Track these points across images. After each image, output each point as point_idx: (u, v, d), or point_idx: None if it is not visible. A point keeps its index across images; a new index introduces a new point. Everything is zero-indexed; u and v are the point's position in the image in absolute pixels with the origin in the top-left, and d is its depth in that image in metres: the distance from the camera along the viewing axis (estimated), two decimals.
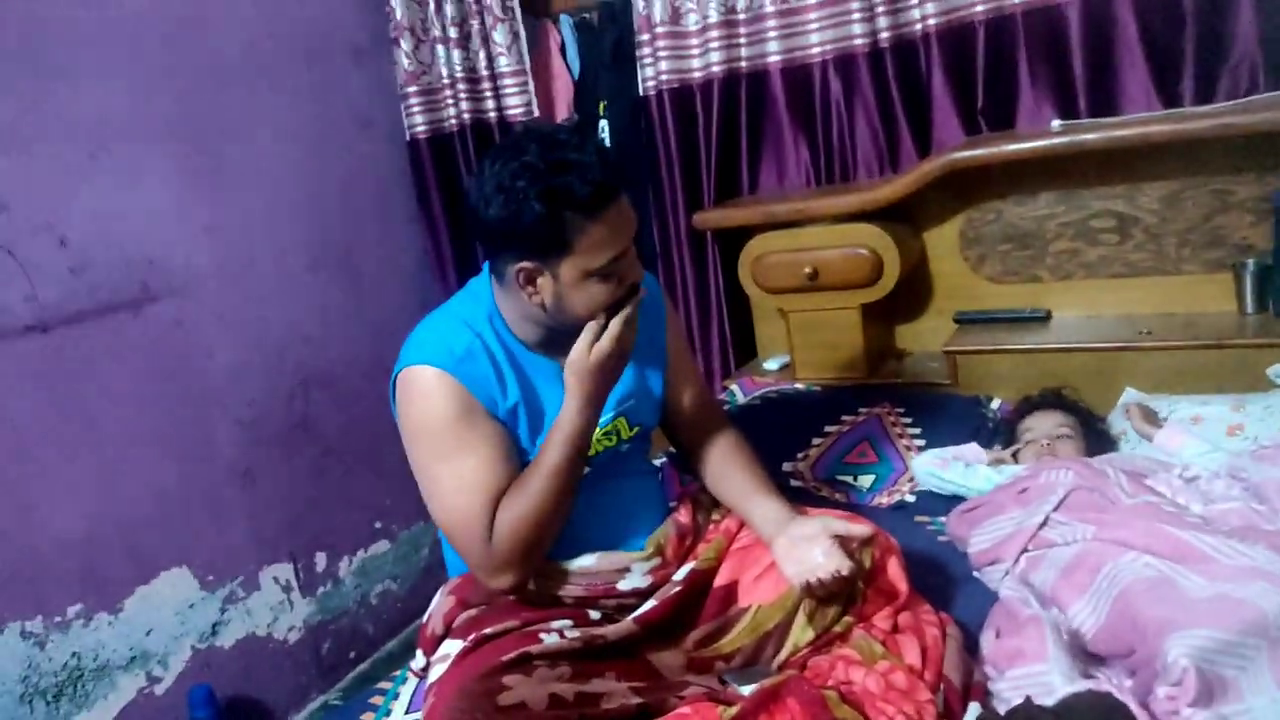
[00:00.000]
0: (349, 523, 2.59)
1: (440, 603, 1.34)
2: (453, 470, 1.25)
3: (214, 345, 2.27)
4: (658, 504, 1.47)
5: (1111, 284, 2.05)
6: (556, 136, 1.20)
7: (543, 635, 1.19)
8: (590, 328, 1.22)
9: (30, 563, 1.88)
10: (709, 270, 2.45)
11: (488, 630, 1.19)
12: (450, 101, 2.67)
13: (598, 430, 1.35)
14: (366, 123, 2.70)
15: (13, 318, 1.88)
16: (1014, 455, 1.77)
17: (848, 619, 1.29)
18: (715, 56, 2.31)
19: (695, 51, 2.34)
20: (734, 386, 2.29)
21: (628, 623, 1.26)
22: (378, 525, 2.66)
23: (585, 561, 1.33)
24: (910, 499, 1.82)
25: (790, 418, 2.07)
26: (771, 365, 2.36)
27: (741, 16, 2.30)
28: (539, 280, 1.22)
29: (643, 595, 1.33)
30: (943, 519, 1.68)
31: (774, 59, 2.29)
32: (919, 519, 1.75)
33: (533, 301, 1.24)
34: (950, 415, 1.97)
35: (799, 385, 2.22)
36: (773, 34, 2.27)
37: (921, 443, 1.91)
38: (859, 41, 2.19)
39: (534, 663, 1.13)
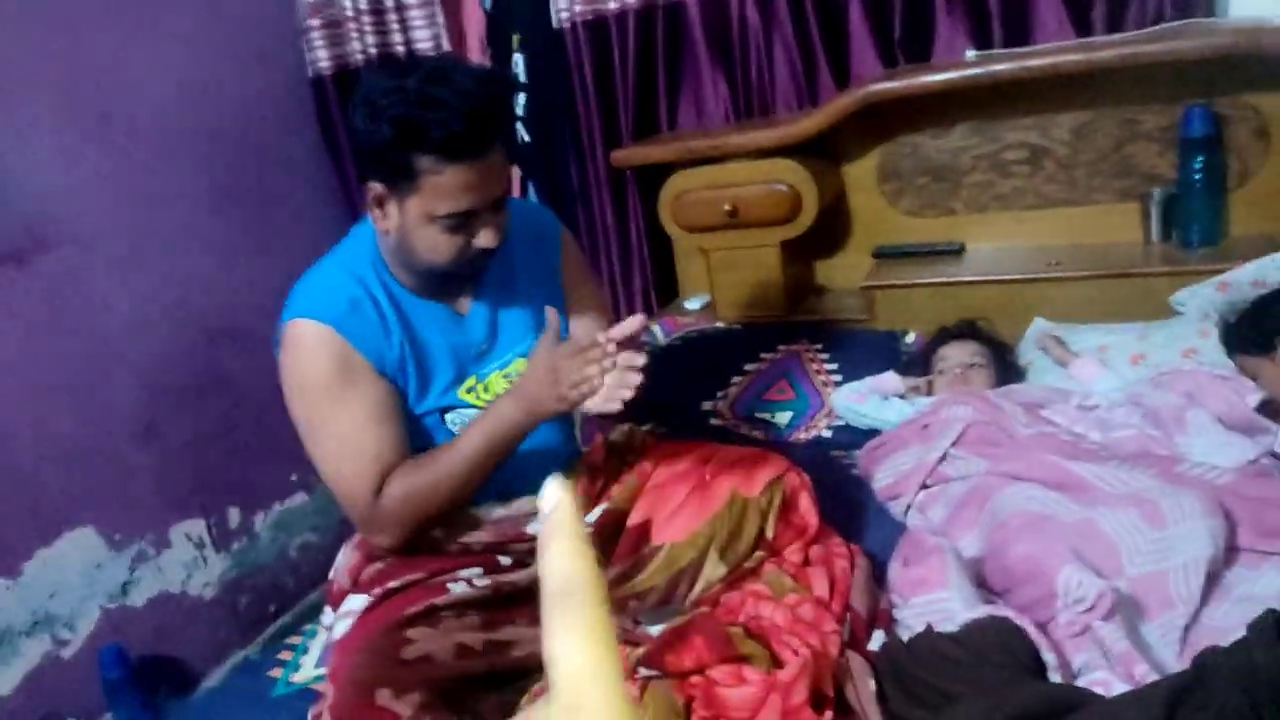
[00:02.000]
0: (263, 476, 2.52)
1: (345, 557, 1.31)
2: (333, 430, 1.22)
3: (110, 296, 2.16)
4: (569, 447, 1.44)
5: (1024, 215, 2.06)
6: (449, 72, 1.13)
7: (450, 585, 1.17)
8: (552, 322, 1.18)
9: None
10: (629, 209, 2.40)
11: (392, 584, 1.16)
12: (355, 34, 2.55)
13: (497, 373, 1.32)
14: (265, 57, 2.56)
15: None
16: (928, 384, 1.79)
17: (759, 554, 1.29)
18: None
19: None
20: (655, 327, 2.26)
21: (535, 567, 1.23)
22: (294, 478, 2.59)
23: (492, 508, 1.30)
24: (827, 434, 1.83)
25: (710, 357, 2.06)
26: (693, 305, 2.34)
27: None
28: (387, 206, 1.18)
29: None
30: (858, 453, 1.69)
31: None
32: (835, 453, 1.76)
33: (379, 227, 1.21)
34: (866, 350, 1.98)
35: (720, 324, 2.20)
36: None
37: (838, 378, 1.92)
38: None
39: (440, 614, 1.11)
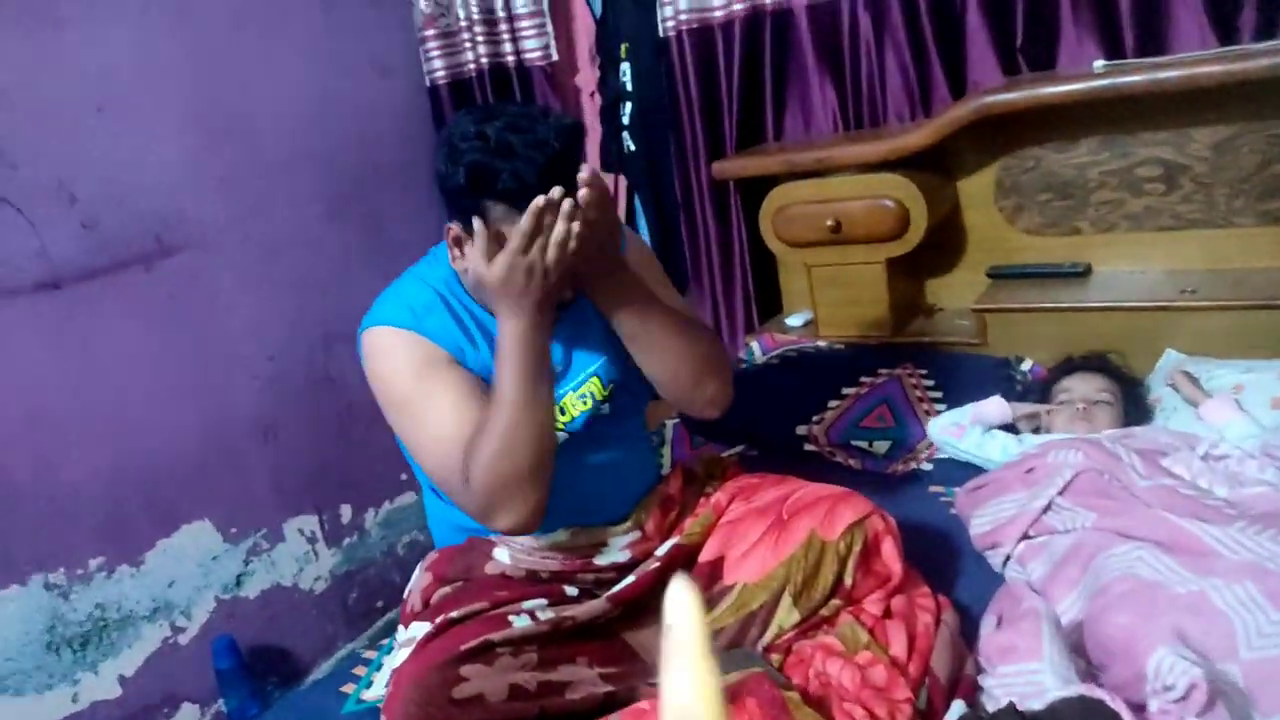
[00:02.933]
0: (374, 475, 2.60)
1: (418, 579, 1.33)
2: (425, 424, 1.20)
3: (232, 299, 2.27)
4: (647, 473, 1.41)
5: (1157, 237, 1.91)
6: (531, 122, 1.11)
7: (511, 618, 1.16)
8: (480, 234, 1.12)
9: (51, 517, 1.91)
10: (731, 221, 2.35)
11: (453, 614, 1.16)
12: (469, 45, 2.59)
13: (572, 394, 1.30)
14: (385, 68, 2.63)
15: (24, 275, 1.89)
16: (1045, 416, 1.68)
17: (836, 602, 1.24)
18: None
19: None
20: (753, 344, 2.21)
21: (600, 601, 1.22)
22: (403, 477, 2.67)
23: (558, 535, 1.29)
24: (927, 467, 1.74)
25: (808, 378, 2.00)
26: (794, 322, 2.27)
27: None
28: (464, 247, 1.16)
29: (623, 570, 1.30)
30: (958, 491, 1.60)
31: None
32: (933, 489, 1.67)
33: (456, 266, 1.20)
34: (976, 378, 1.87)
35: (821, 343, 2.13)
36: None
37: (942, 407, 1.82)
38: None
39: (496, 650, 1.10)
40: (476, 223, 1.14)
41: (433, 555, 1.36)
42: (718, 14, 2.23)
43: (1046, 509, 1.31)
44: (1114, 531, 1.18)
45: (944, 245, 2.15)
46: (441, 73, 2.65)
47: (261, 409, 2.33)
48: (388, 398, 1.24)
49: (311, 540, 2.46)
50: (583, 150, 1.18)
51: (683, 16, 2.25)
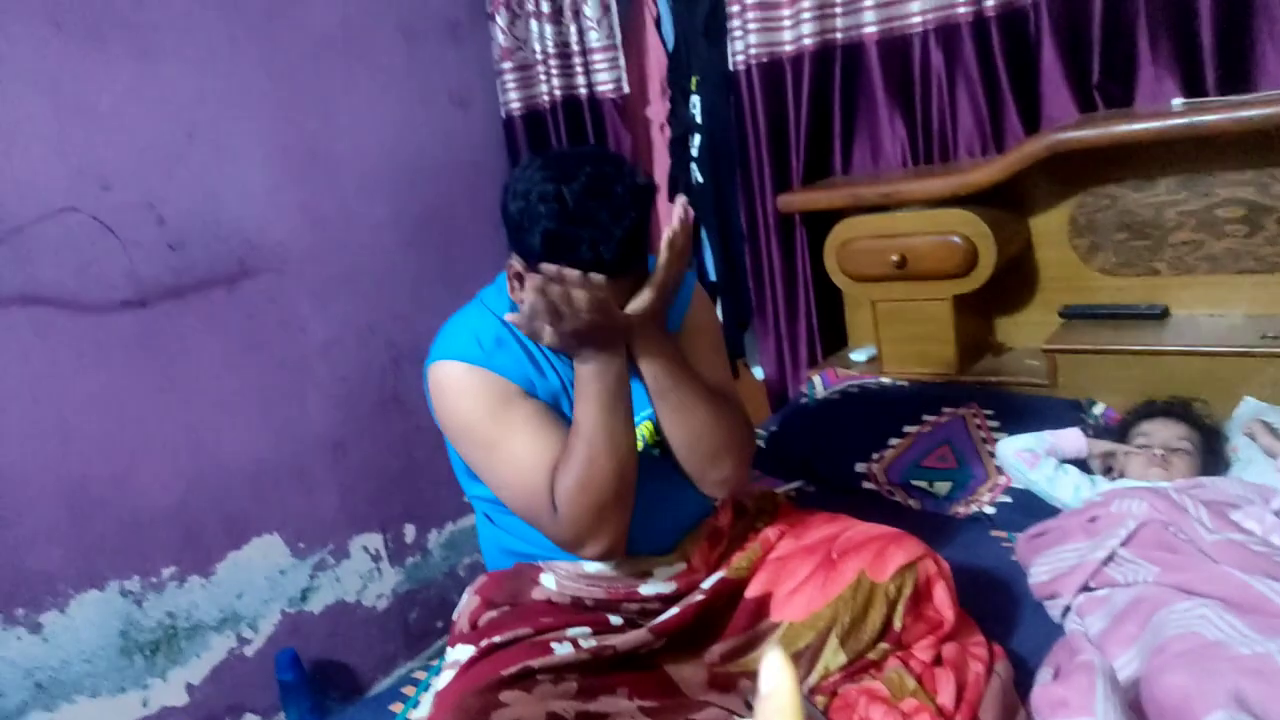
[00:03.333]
0: (438, 496, 2.65)
1: (466, 601, 1.34)
2: (505, 459, 1.21)
3: (307, 320, 2.35)
4: (697, 507, 1.41)
5: (1238, 280, 1.84)
6: (609, 186, 1.12)
7: (554, 645, 1.17)
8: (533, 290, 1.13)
9: (128, 526, 2.00)
10: (796, 255, 2.35)
11: (496, 639, 1.17)
12: (543, 77, 2.65)
13: None
14: (462, 100, 2.71)
15: (113, 292, 1.99)
16: (1121, 459, 1.62)
17: (884, 646, 1.21)
18: (808, 28, 2.19)
19: (787, 23, 2.23)
20: (815, 379, 2.19)
21: (642, 631, 1.22)
22: (466, 499, 2.70)
23: (603, 564, 1.29)
24: (989, 510, 1.69)
25: (869, 415, 1.97)
26: (859, 357, 2.24)
27: None
28: (526, 284, 1.18)
29: (668, 601, 1.29)
30: (1019, 536, 1.55)
31: (870, 30, 2.15)
32: (995, 533, 1.63)
33: (514, 298, 1.21)
34: (1043, 420, 1.81)
35: (885, 380, 2.10)
36: (869, 3, 2.13)
37: None
38: (962, 10, 2.02)
39: (537, 677, 1.11)
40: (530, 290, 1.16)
41: (482, 579, 1.38)
42: (787, 48, 2.24)
43: (1108, 560, 1.27)
44: (1176, 587, 1.13)
45: (1016, 283, 2.10)
46: (517, 104, 2.71)
47: (332, 427, 2.40)
48: (464, 436, 1.25)
49: (376, 558, 2.51)
50: (653, 208, 1.20)
51: (753, 50, 2.26)
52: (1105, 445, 1.64)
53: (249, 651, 2.21)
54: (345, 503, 2.43)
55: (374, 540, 2.51)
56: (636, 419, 1.31)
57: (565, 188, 1.10)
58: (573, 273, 1.10)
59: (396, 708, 1.36)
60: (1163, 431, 1.61)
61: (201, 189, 2.13)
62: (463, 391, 1.22)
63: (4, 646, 1.82)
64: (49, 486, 1.89)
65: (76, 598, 1.91)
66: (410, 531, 2.60)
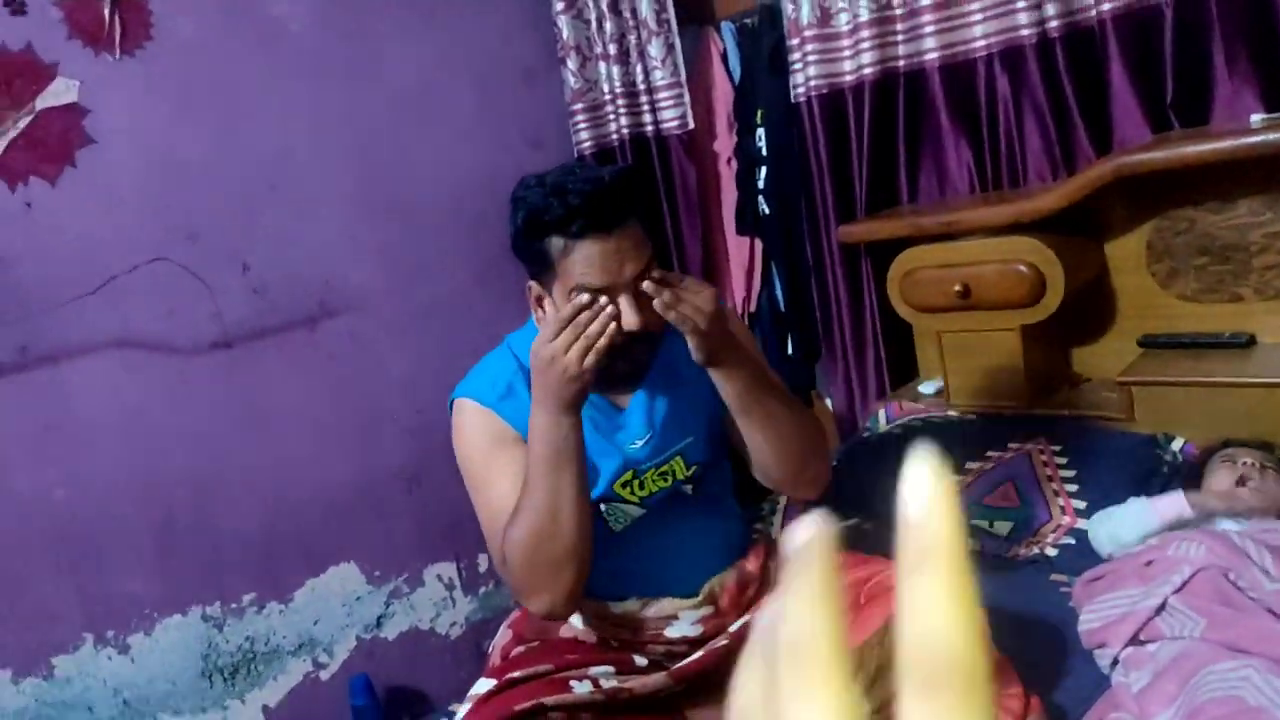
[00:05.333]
0: None
1: (501, 634, 1.37)
2: (484, 498, 1.26)
3: (384, 357, 2.44)
4: (730, 549, 1.39)
5: None
6: (588, 169, 1.20)
7: (573, 683, 1.18)
8: (562, 320, 1.13)
9: (211, 554, 2.11)
10: (862, 285, 2.30)
11: (515, 674, 1.19)
12: (611, 116, 2.70)
13: (652, 470, 1.31)
14: (536, 142, 2.78)
15: (201, 335, 2.12)
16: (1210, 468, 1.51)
17: None
18: (867, 58, 2.16)
19: (847, 53, 2.21)
20: (879, 412, 2.14)
21: (661, 675, 1.21)
22: None
23: (630, 604, 1.29)
24: (1051, 552, 1.62)
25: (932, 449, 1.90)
26: (927, 389, 2.18)
27: (897, 13, 2.14)
28: (545, 304, 1.20)
29: (693, 644, 1.28)
30: (1078, 581, 1.47)
31: (932, 56, 2.11)
32: (1055, 577, 1.55)
33: (539, 325, 1.23)
34: (1116, 457, 1.73)
35: (951, 413, 2.03)
36: (930, 29, 2.09)
37: (1074, 488, 1.69)
38: (1026, 33, 1.96)
39: (549, 714, 1.12)
40: (548, 301, 1.19)
41: (516, 613, 1.40)
42: (848, 78, 2.22)
43: (1160, 609, 1.19)
44: (1223, 644, 1.05)
45: (1092, 312, 2.01)
46: (588, 143, 2.76)
47: (408, 459, 2.47)
48: (464, 470, 1.31)
49: (450, 587, 2.57)
50: (641, 193, 1.22)
51: (814, 82, 2.25)
52: (1209, 501, 1.45)
53: (324, 676, 2.29)
54: (420, 532, 2.50)
55: (448, 569, 2.56)
56: (665, 455, 1.31)
57: (547, 175, 1.17)
58: (589, 303, 1.12)
59: None
60: (1257, 454, 1.51)
61: (283, 236, 2.25)
62: (467, 428, 1.28)
63: (96, 665, 1.94)
64: (138, 516, 2.01)
65: (162, 622, 2.03)
66: (484, 561, 2.64)
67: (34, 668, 1.92)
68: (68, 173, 1.95)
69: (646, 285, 1.13)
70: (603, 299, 1.12)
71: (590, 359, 1.11)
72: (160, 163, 2.05)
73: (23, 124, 1.89)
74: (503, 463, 1.23)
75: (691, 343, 1.16)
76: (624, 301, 1.14)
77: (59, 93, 1.93)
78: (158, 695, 2.01)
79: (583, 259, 1.14)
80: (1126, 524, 1.47)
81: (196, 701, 2.07)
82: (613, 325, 1.11)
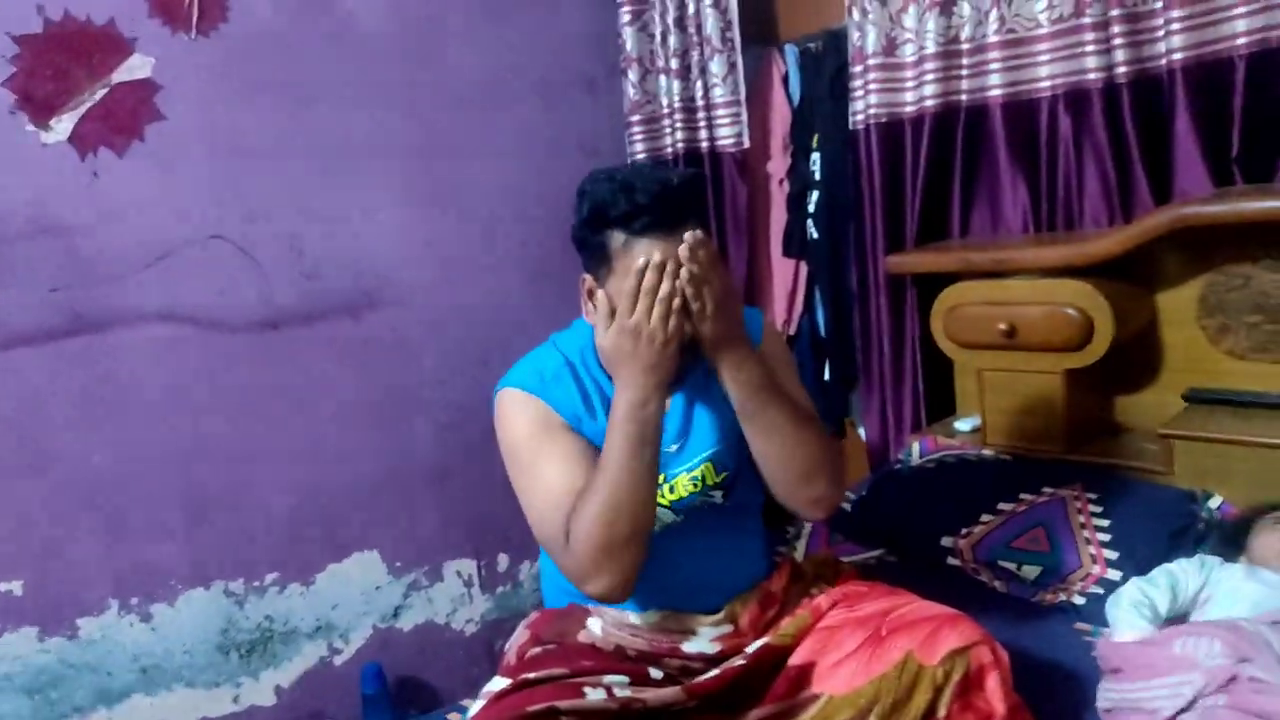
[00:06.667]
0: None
1: (518, 634, 1.37)
2: (536, 483, 1.25)
3: (424, 351, 2.47)
4: (752, 569, 1.39)
5: None
6: (656, 169, 1.21)
7: (587, 689, 1.17)
8: (601, 303, 1.18)
9: (239, 531, 2.14)
10: (905, 316, 2.29)
11: (529, 675, 1.19)
12: (668, 130, 2.71)
13: (684, 474, 1.31)
14: (593, 150, 2.80)
15: (248, 314, 2.16)
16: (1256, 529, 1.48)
17: None
18: (929, 90, 2.15)
19: (909, 84, 2.20)
20: (914, 445, 2.12)
21: (675, 690, 1.21)
22: None
23: (649, 615, 1.29)
24: (1078, 601, 1.59)
25: (964, 487, 1.88)
26: (963, 426, 2.15)
27: (964, 47, 2.13)
28: (596, 298, 1.21)
29: (710, 662, 1.27)
30: (1105, 632, 1.45)
31: (995, 93, 2.09)
32: (1079, 626, 1.52)
33: (590, 320, 1.25)
34: (1152, 510, 1.69)
35: (986, 451, 2.01)
36: (995, 66, 2.08)
37: (1106, 537, 1.66)
38: (1093, 76, 1.94)
39: (561, 718, 1.11)
40: (600, 294, 1.20)
41: (535, 614, 1.40)
42: (909, 109, 2.21)
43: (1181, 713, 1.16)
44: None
45: (1138, 362, 1.98)
46: (643, 155, 2.78)
47: (438, 454, 2.49)
48: (509, 457, 1.31)
49: (468, 584, 2.58)
50: (704, 199, 1.23)
51: (873, 110, 2.24)
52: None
53: (338, 661, 2.31)
54: (444, 527, 2.52)
55: (467, 566, 2.58)
56: (697, 459, 1.31)
57: (616, 172, 1.19)
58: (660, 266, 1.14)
59: None
60: None
61: (337, 225, 2.29)
62: (514, 414, 1.28)
63: (118, 631, 1.97)
64: (172, 487, 2.05)
65: (185, 594, 2.06)
66: (503, 561, 2.65)
67: (59, 628, 1.96)
68: (135, 146, 2.00)
69: (687, 236, 1.14)
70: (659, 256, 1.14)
71: (673, 320, 1.15)
72: (225, 143, 2.10)
73: (99, 95, 1.94)
74: (552, 448, 1.24)
75: (696, 318, 1.17)
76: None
77: (134, 68, 1.98)
78: (174, 666, 2.04)
79: (642, 256, 1.15)
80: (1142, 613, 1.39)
81: (211, 676, 2.10)
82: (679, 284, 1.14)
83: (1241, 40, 1.75)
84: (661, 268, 1.14)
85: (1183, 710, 1.15)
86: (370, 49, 2.32)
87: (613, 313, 1.18)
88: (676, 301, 1.15)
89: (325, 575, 2.28)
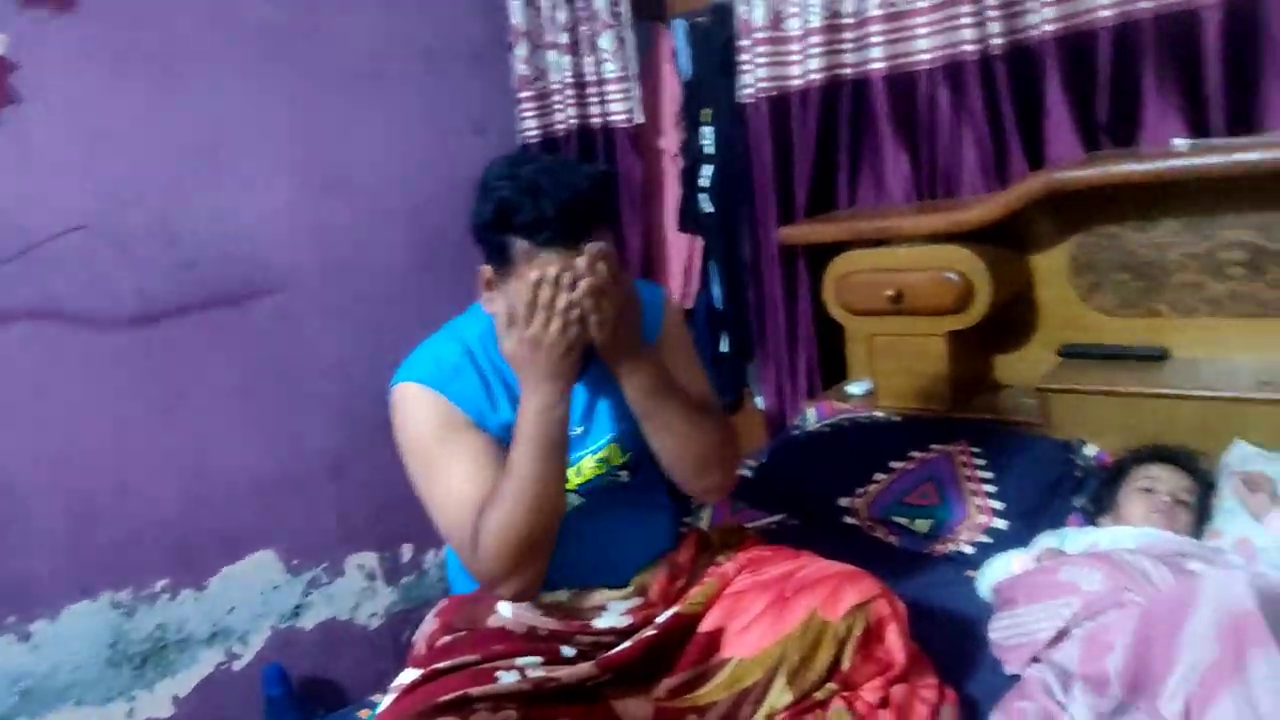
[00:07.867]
0: None
1: (427, 624, 1.35)
2: (441, 484, 1.24)
3: (315, 340, 2.38)
4: (661, 541, 1.40)
5: (1241, 324, 1.79)
6: (564, 168, 1.16)
7: (499, 673, 1.17)
8: (501, 313, 1.17)
9: (124, 538, 2.04)
10: (798, 287, 2.33)
11: (440, 665, 1.17)
12: (560, 106, 2.68)
13: (590, 457, 1.31)
14: (481, 127, 2.75)
15: (122, 309, 2.04)
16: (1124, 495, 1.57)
17: (831, 686, 1.19)
18: (815, 64, 2.19)
19: (795, 58, 2.23)
20: (809, 411, 2.17)
21: (587, 665, 1.21)
22: None
23: (559, 595, 1.29)
24: (968, 550, 1.66)
25: (857, 449, 1.94)
26: (855, 390, 2.22)
27: (847, 21, 2.17)
28: (494, 290, 1.20)
29: (622, 635, 1.28)
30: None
31: (877, 66, 2.14)
32: (970, 573, 1.59)
33: (487, 310, 1.23)
34: (1031, 461, 1.78)
35: (878, 414, 2.07)
36: (877, 39, 2.13)
37: (991, 489, 1.74)
38: (969, 48, 2.01)
39: (474, 705, 1.10)
40: (499, 300, 1.18)
41: (443, 602, 1.38)
42: (796, 82, 2.24)
43: (1056, 639, 1.24)
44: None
45: (1015, 321, 2.07)
46: (534, 132, 2.75)
47: (334, 446, 2.42)
48: (410, 455, 1.28)
49: (371, 577, 2.52)
50: (614, 199, 1.22)
51: (762, 84, 2.27)
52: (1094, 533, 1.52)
53: (237, 666, 2.23)
54: (342, 521, 2.46)
55: (369, 559, 2.52)
56: (602, 441, 1.31)
57: (521, 168, 1.15)
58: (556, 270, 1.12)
59: None
60: (1173, 481, 1.56)
61: (215, 211, 2.18)
62: (414, 412, 1.25)
63: None
64: (49, 496, 1.94)
65: (69, 607, 1.95)
66: (407, 551, 2.61)
67: None
68: None
69: (589, 247, 1.13)
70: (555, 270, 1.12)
71: (573, 330, 1.14)
72: (89, 126, 1.97)
73: None
74: (456, 448, 1.22)
75: (593, 328, 1.16)
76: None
77: None
78: (59, 685, 1.94)
79: (539, 270, 1.13)
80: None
81: (102, 692, 2.00)
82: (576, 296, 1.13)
83: (1108, 13, 1.83)
84: (558, 281, 1.13)
85: (1062, 632, 1.22)
86: (245, 24, 2.21)
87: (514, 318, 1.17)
88: (574, 313, 1.14)
89: (219, 578, 2.20)
